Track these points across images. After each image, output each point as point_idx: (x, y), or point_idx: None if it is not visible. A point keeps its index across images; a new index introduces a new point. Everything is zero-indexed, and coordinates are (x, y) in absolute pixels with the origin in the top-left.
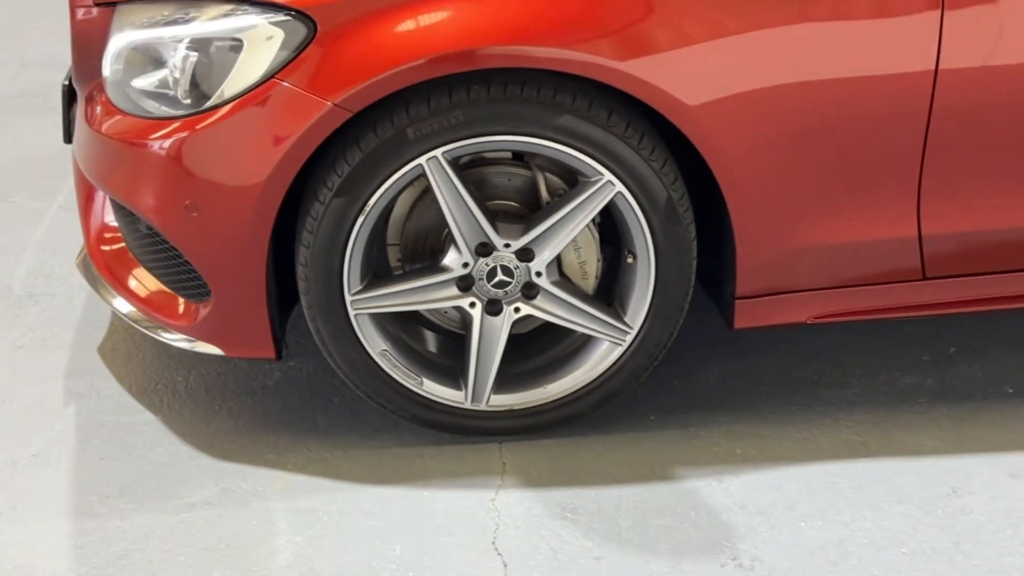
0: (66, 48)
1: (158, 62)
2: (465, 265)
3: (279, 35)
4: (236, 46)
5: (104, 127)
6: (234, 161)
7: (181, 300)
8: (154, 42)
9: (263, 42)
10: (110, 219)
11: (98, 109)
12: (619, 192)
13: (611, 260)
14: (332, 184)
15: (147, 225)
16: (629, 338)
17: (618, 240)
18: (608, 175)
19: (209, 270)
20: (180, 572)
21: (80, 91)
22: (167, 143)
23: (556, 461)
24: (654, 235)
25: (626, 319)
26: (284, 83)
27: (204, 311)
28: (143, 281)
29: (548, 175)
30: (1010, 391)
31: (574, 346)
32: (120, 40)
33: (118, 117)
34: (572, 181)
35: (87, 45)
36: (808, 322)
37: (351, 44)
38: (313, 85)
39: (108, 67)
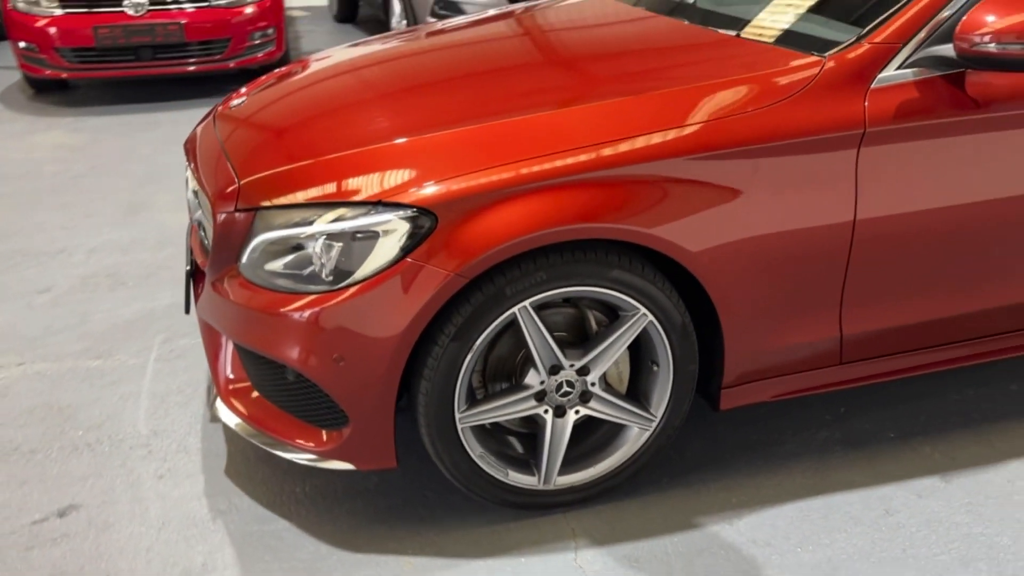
0: (120, 235)
1: (294, 250)
2: (541, 382)
3: (407, 226)
4: (373, 236)
5: (254, 301)
6: (376, 322)
7: (323, 430)
8: (294, 236)
9: (395, 232)
10: (229, 369)
11: (238, 287)
12: (650, 321)
13: (633, 366)
14: (449, 332)
15: (295, 373)
16: (654, 424)
17: (637, 350)
18: (643, 309)
19: (350, 404)
20: None
21: (212, 273)
22: (317, 312)
23: (611, 523)
24: (672, 349)
25: (651, 410)
26: (415, 261)
27: (343, 436)
28: (276, 416)
29: (593, 312)
30: (892, 435)
31: (612, 433)
32: (264, 236)
33: (270, 293)
34: (611, 314)
35: (226, 237)
36: (769, 400)
37: (465, 229)
38: (439, 261)
39: (246, 255)
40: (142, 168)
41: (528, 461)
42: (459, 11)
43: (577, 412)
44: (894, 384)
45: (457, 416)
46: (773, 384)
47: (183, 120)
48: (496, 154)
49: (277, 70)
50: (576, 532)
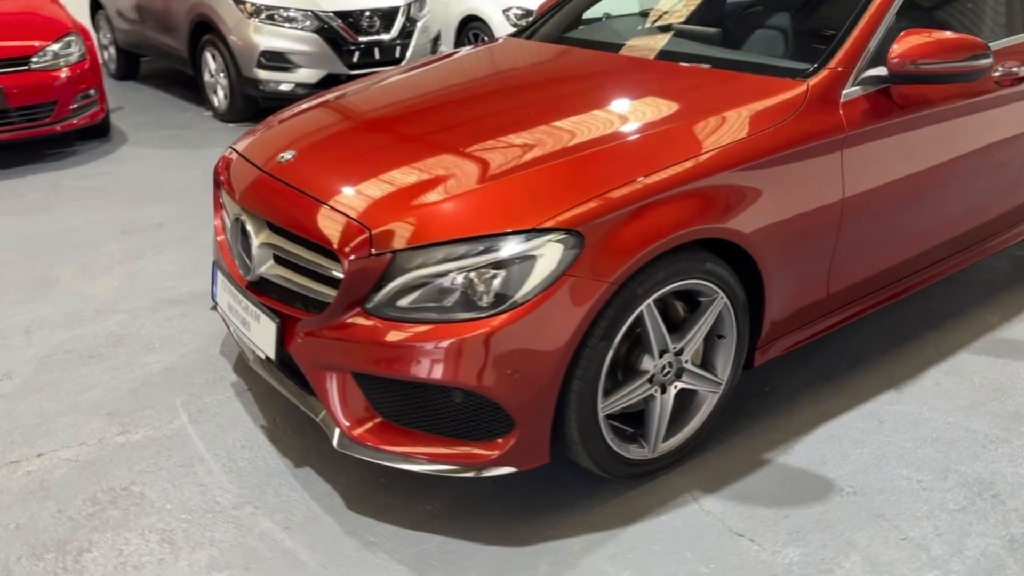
0: (46, 311)
1: (420, 286)
2: (654, 366)
3: (561, 247)
4: (531, 260)
5: (408, 336)
6: (546, 334)
7: (478, 442)
8: (441, 272)
9: (551, 254)
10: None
11: (380, 326)
12: (725, 303)
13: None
14: (598, 334)
15: (463, 394)
16: (722, 388)
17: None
18: (721, 293)
19: (520, 412)
20: None
21: (333, 317)
22: (489, 334)
23: (709, 473)
24: (737, 323)
25: (719, 376)
26: (574, 276)
27: (507, 443)
28: (417, 437)
29: (676, 301)
30: (844, 366)
31: (688, 401)
32: (407, 276)
33: (423, 327)
34: (688, 302)
35: (357, 282)
36: (781, 353)
37: (609, 242)
38: (594, 273)
39: (380, 295)
40: (13, 243)
41: (636, 436)
42: (286, 62)
43: (676, 387)
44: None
45: (600, 407)
46: (784, 340)
47: (22, 188)
48: (611, 177)
49: (286, 111)
50: (687, 486)
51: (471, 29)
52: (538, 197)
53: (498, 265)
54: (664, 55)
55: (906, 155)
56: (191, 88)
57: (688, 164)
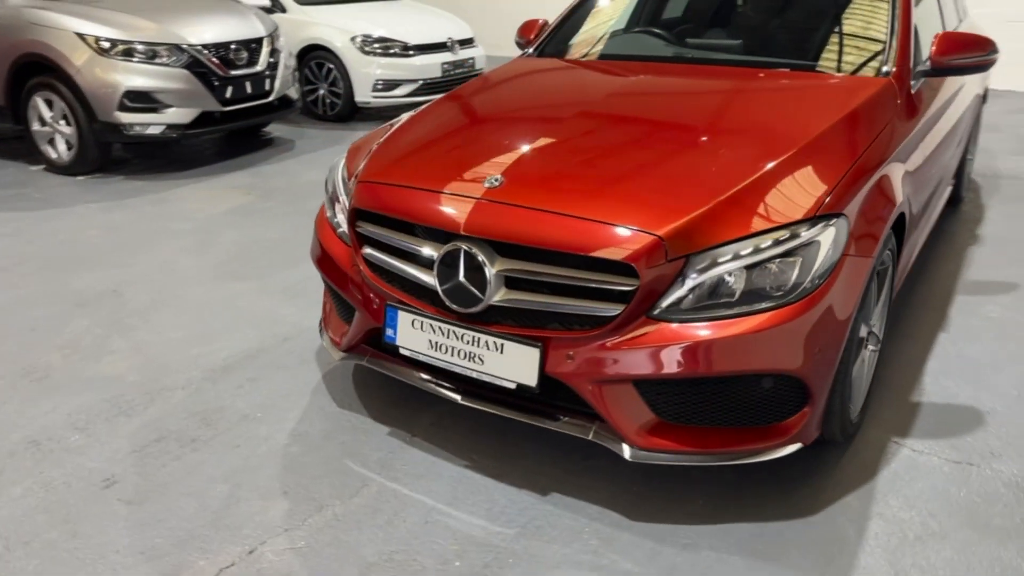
0: (62, 404)
1: (712, 284)
2: (866, 331)
3: (834, 231)
4: (815, 246)
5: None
6: (838, 310)
7: (776, 424)
8: (732, 269)
9: (829, 238)
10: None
11: (677, 329)
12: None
13: None
14: (858, 305)
15: (772, 379)
16: (880, 344)
17: None
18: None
19: (817, 388)
20: None
21: (622, 327)
22: (802, 319)
23: (893, 425)
24: (892, 283)
25: (881, 335)
26: (848, 256)
27: (802, 421)
28: (709, 434)
29: None
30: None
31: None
32: (702, 276)
33: (721, 322)
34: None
35: (651, 290)
36: None
37: (860, 223)
38: (861, 251)
39: (673, 298)
40: None
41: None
42: (153, 102)
43: (869, 349)
44: None
45: (852, 371)
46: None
47: None
48: (832, 167)
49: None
50: (888, 438)
51: (312, 59)
52: (796, 190)
53: (788, 254)
54: (736, 62)
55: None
56: None
57: (870, 151)
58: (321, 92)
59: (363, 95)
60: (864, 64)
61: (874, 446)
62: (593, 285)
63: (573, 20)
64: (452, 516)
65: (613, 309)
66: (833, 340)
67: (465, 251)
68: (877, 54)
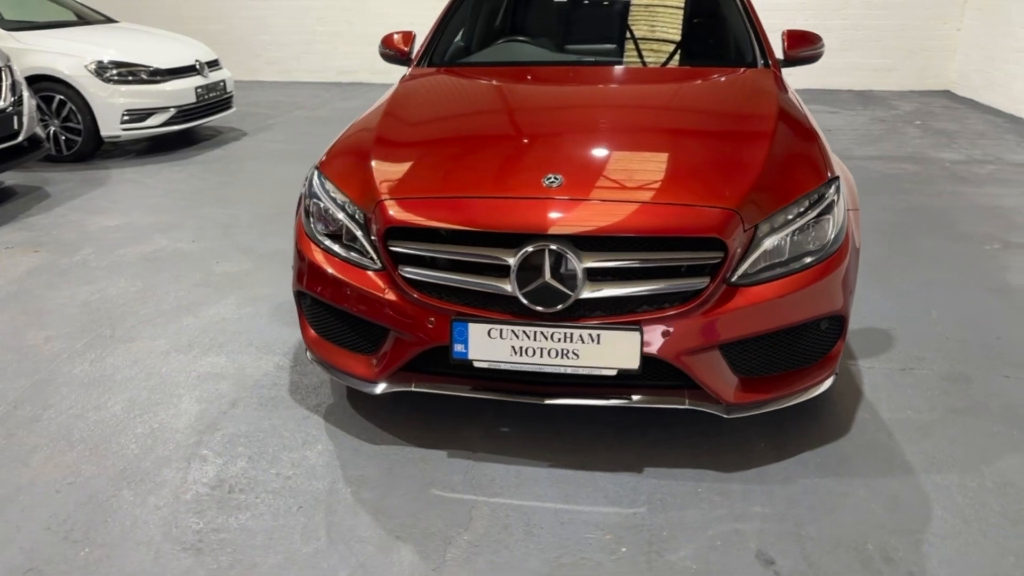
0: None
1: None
2: None
3: (840, 189)
4: (836, 203)
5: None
6: (854, 256)
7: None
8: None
9: (840, 195)
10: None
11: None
12: None
13: None
14: None
15: (827, 320)
16: None
17: None
18: None
19: (848, 318)
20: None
21: (707, 301)
22: (843, 268)
23: None
24: None
25: None
26: (850, 209)
27: (839, 351)
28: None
29: None
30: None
31: None
32: (767, 242)
33: (784, 280)
34: None
35: (733, 261)
36: None
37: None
38: (852, 203)
39: (747, 264)
40: None
41: None
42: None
43: None
44: None
45: None
46: None
47: None
48: (804, 139)
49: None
50: (847, 363)
51: (40, 91)
52: (802, 160)
53: (824, 212)
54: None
55: None
56: None
57: (813, 123)
58: (52, 129)
59: (110, 128)
60: (750, 59)
61: (845, 371)
62: (683, 263)
63: (448, 32)
64: (581, 511)
65: (702, 283)
66: (855, 279)
67: (551, 250)
68: (751, 50)
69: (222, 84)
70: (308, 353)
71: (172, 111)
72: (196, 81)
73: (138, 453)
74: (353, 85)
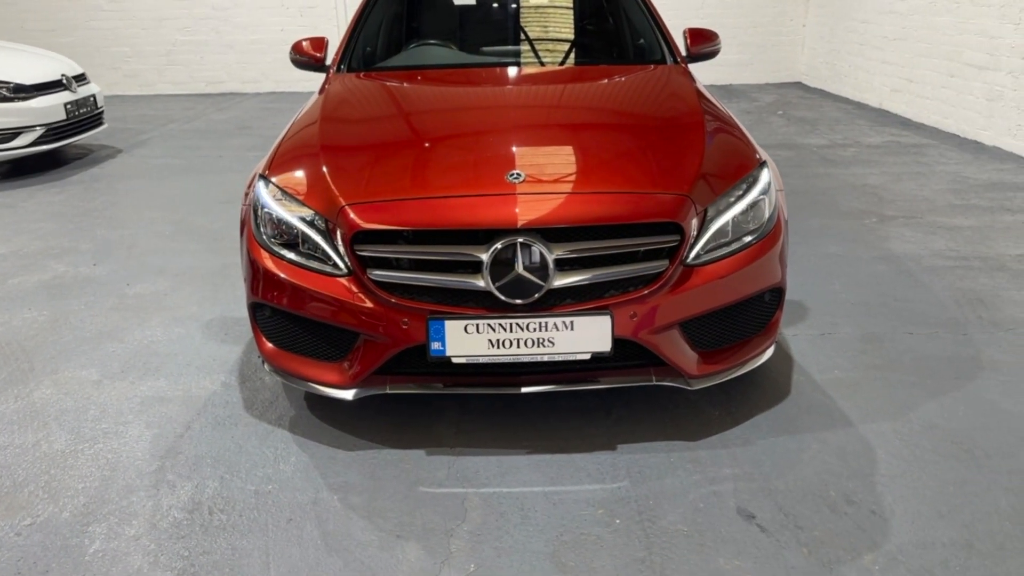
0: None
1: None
2: None
3: (770, 172)
4: (769, 184)
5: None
6: (785, 231)
7: (770, 324)
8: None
9: (771, 178)
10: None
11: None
12: None
13: None
14: None
15: (770, 293)
16: None
17: None
18: None
19: (785, 288)
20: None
21: (669, 282)
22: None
23: None
24: None
25: None
26: (779, 189)
27: (779, 319)
28: (735, 348)
29: None
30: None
31: None
32: (717, 223)
33: (738, 255)
34: None
35: (687, 243)
36: None
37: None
38: (778, 183)
39: (700, 246)
40: None
41: None
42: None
43: None
44: None
45: None
46: None
47: None
48: (726, 127)
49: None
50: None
51: None
52: (734, 146)
53: (761, 193)
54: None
55: None
56: None
57: (727, 115)
58: None
59: None
60: (659, 56)
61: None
62: (644, 248)
63: (362, 37)
64: (569, 491)
65: (662, 265)
66: (787, 253)
67: (522, 244)
68: (659, 48)
69: (92, 99)
70: (266, 366)
71: (40, 130)
72: (65, 97)
73: (98, 485)
74: (224, 95)
